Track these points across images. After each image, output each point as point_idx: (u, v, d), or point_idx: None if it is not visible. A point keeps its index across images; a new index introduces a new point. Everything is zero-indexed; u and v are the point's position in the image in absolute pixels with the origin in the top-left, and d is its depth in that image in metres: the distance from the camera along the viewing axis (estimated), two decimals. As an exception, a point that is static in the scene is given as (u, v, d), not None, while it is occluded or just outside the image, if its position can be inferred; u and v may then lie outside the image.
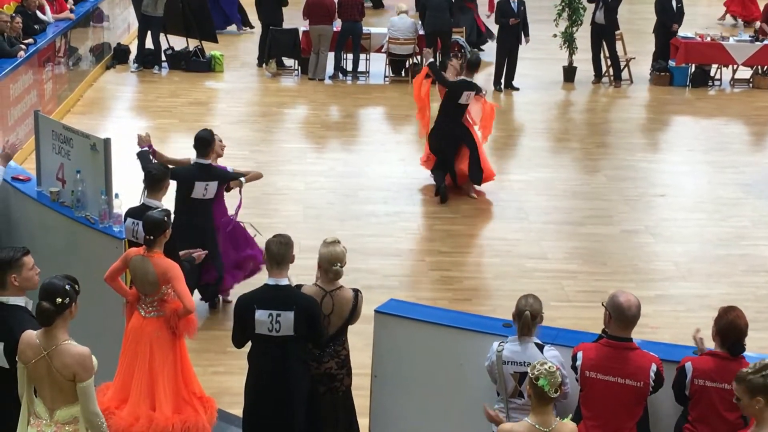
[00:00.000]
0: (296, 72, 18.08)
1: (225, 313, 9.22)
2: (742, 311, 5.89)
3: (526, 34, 17.26)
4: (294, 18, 18.64)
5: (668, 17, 18.06)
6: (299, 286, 6.49)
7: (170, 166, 8.63)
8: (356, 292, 6.50)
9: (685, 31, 18.55)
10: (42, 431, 5.50)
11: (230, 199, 9.31)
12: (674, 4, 18.08)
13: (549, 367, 5.27)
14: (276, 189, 12.51)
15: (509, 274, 10.41)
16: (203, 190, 8.79)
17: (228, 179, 9.03)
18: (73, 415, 5.47)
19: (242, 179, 9.09)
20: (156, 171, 7.80)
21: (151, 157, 8.64)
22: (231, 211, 9.22)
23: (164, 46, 18.00)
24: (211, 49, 18.08)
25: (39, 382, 5.50)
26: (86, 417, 5.43)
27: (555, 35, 17.91)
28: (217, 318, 9.14)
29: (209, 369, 8.30)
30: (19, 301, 5.81)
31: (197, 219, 8.80)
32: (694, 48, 17.94)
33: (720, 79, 18.41)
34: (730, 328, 5.81)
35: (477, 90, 12.20)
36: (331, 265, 6.40)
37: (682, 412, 5.95)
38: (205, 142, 8.87)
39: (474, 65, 12.36)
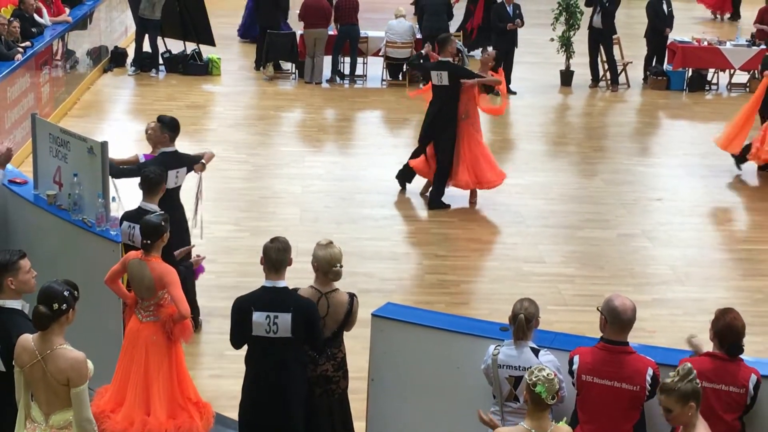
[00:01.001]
0: (293, 75, 18.08)
1: (221, 317, 9.20)
2: (738, 313, 5.91)
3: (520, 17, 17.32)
4: (291, 21, 18.65)
5: (660, 21, 18.09)
6: (295, 290, 6.49)
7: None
8: (352, 296, 6.50)
9: (681, 35, 18.58)
10: (37, 436, 5.50)
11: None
12: (665, 8, 18.11)
13: (547, 374, 5.26)
14: (273, 192, 12.52)
15: (506, 278, 10.41)
16: (175, 178, 8.59)
17: (194, 163, 8.85)
18: (68, 420, 5.45)
19: (203, 161, 8.92)
20: (153, 174, 7.74)
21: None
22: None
23: (161, 49, 18.00)
24: (208, 52, 18.08)
25: (34, 386, 5.49)
26: (78, 423, 5.41)
27: (552, 39, 17.95)
28: (213, 322, 9.12)
29: (205, 372, 8.30)
30: (15, 304, 5.81)
31: (173, 210, 8.44)
32: (691, 52, 17.97)
33: (717, 84, 18.44)
34: (728, 329, 5.82)
35: (450, 69, 11.82)
36: (331, 266, 6.40)
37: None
38: (177, 127, 8.71)
39: (441, 42, 12.20)
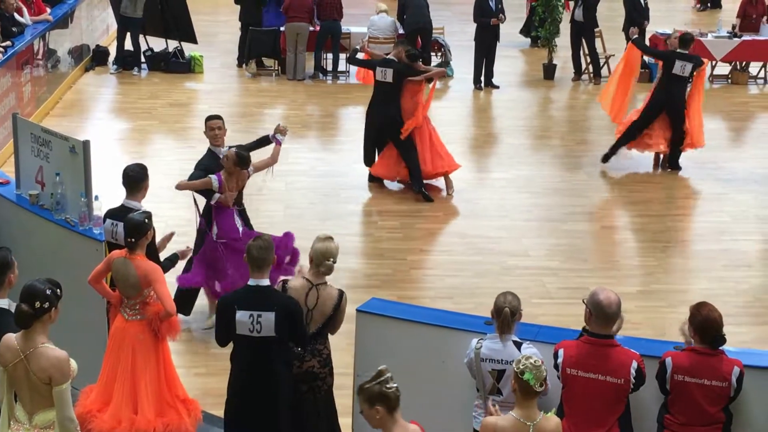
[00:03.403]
0: (276, 72, 18.05)
1: (205, 314, 9.19)
2: (712, 304, 5.94)
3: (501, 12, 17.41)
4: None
5: (638, 14, 18.12)
6: (285, 281, 6.49)
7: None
8: (341, 292, 6.52)
9: (663, 27, 18.61)
10: (21, 436, 5.49)
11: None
12: (642, 1, 18.13)
13: (534, 362, 5.30)
14: (257, 189, 12.47)
15: (491, 272, 10.43)
16: None
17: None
18: (51, 420, 5.45)
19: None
20: (133, 172, 7.71)
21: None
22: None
23: (143, 47, 17.94)
24: (190, 50, 18.03)
25: (18, 386, 5.48)
26: (60, 422, 5.41)
27: (535, 34, 17.96)
28: (200, 319, 9.11)
29: (192, 370, 8.29)
30: (2, 303, 5.80)
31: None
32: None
33: (698, 75, 18.44)
34: (707, 323, 5.86)
35: (395, 67, 12.09)
36: (324, 259, 6.45)
37: (663, 402, 5.99)
38: None
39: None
